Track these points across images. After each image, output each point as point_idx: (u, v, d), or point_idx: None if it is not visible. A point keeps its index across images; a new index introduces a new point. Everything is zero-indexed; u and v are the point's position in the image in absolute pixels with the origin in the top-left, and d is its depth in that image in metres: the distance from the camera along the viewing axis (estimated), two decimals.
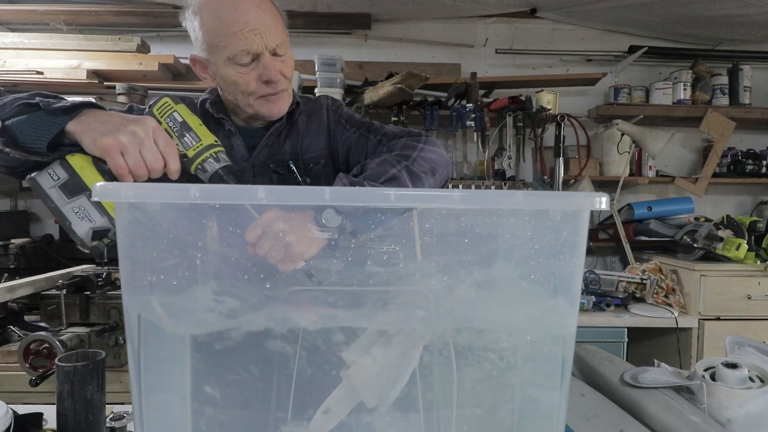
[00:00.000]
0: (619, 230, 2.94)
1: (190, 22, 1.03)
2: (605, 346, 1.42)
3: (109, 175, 0.79)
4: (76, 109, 0.82)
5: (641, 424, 0.91)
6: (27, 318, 1.89)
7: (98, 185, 0.55)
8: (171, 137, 0.84)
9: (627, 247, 2.92)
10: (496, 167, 2.94)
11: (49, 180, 0.79)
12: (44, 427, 0.98)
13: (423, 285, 0.66)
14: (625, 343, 2.40)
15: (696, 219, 2.92)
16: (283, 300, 0.66)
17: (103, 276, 1.79)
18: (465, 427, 0.68)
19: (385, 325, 0.67)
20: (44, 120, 0.81)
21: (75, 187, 0.79)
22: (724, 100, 3.10)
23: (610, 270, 3.08)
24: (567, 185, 3.00)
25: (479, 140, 2.85)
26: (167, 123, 0.85)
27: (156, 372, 0.63)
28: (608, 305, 2.52)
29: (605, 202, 0.59)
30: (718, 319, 2.52)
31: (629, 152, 2.93)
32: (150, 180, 0.80)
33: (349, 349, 0.67)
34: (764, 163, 3.09)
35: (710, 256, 2.60)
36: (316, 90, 2.68)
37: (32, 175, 0.80)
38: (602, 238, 3.19)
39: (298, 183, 1.10)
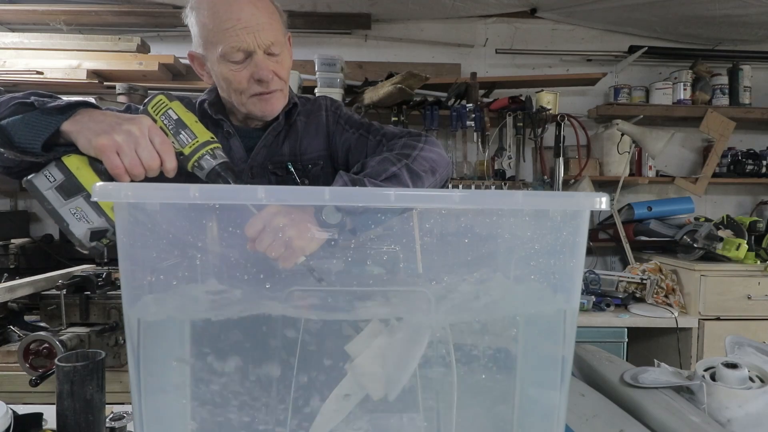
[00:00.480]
0: (619, 230, 2.94)
1: (189, 18, 1.03)
2: (605, 346, 1.42)
3: (106, 175, 0.79)
4: (72, 108, 0.81)
5: (641, 424, 0.91)
6: (27, 318, 1.88)
7: (98, 185, 0.55)
8: (167, 135, 0.83)
9: (627, 247, 2.92)
10: (496, 167, 2.94)
11: (46, 182, 0.79)
12: (44, 427, 0.98)
13: (423, 285, 0.66)
14: (625, 343, 2.40)
15: (696, 219, 2.92)
16: (283, 300, 0.66)
17: (103, 276, 1.78)
18: (465, 427, 0.68)
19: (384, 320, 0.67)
20: (39, 120, 0.81)
21: (71, 188, 0.78)
22: (724, 100, 3.10)
23: (610, 270, 3.08)
24: (567, 185, 3.00)
25: (479, 140, 2.85)
26: (162, 121, 0.85)
27: (156, 372, 0.63)
28: (608, 305, 2.52)
29: (605, 202, 0.59)
30: (718, 319, 2.52)
31: (629, 152, 2.93)
32: (147, 179, 0.80)
33: (353, 341, 0.67)
34: (764, 163, 3.09)
35: (710, 256, 2.60)
36: (316, 90, 2.68)
37: (28, 177, 0.80)
38: (602, 238, 3.19)
39: (296, 184, 1.10)
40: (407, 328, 0.67)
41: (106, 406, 0.94)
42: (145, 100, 0.89)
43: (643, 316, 2.45)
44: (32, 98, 0.83)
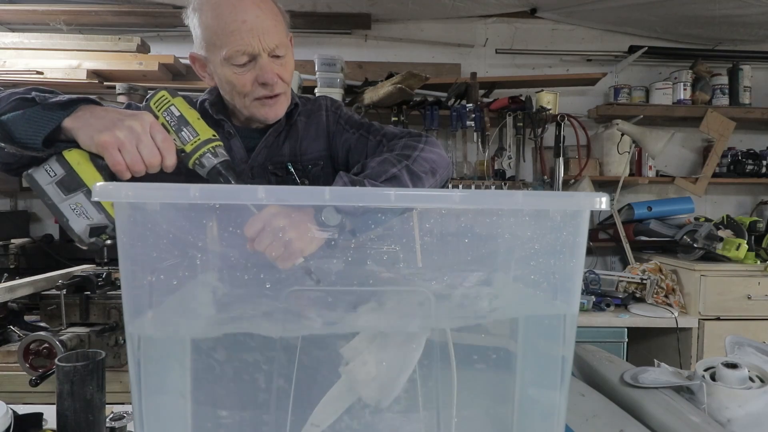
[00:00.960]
0: (619, 230, 2.94)
1: (191, 19, 1.02)
2: (605, 346, 1.42)
3: (106, 171, 0.79)
4: (73, 104, 0.81)
5: (641, 424, 0.91)
6: (27, 318, 1.88)
7: (98, 185, 0.55)
8: (168, 132, 0.83)
9: (627, 247, 2.92)
10: (496, 167, 2.94)
11: (46, 176, 0.79)
12: (44, 427, 0.98)
13: (423, 285, 0.66)
14: (625, 343, 2.40)
15: (696, 219, 2.92)
16: (283, 300, 0.66)
17: (103, 276, 1.78)
18: (465, 427, 0.68)
19: (385, 324, 0.67)
20: (40, 115, 0.80)
21: (72, 183, 0.78)
22: (724, 100, 3.10)
23: (610, 270, 3.08)
24: (567, 185, 3.00)
25: (479, 140, 2.85)
26: (164, 117, 0.84)
27: (156, 372, 0.63)
28: (608, 305, 2.52)
29: (605, 202, 0.59)
30: (718, 319, 2.52)
31: (629, 152, 2.93)
32: (147, 175, 0.80)
33: (348, 345, 0.67)
34: (764, 163, 3.09)
35: (710, 256, 2.60)
36: (316, 90, 2.69)
37: (29, 171, 0.80)
38: (602, 238, 3.19)
39: (296, 185, 1.10)
40: (403, 333, 0.67)
41: (106, 406, 0.94)
42: (148, 96, 0.88)
43: (643, 316, 2.45)
44: (33, 93, 0.83)
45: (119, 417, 0.96)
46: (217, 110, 1.09)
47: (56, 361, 0.89)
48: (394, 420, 0.69)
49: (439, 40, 3.21)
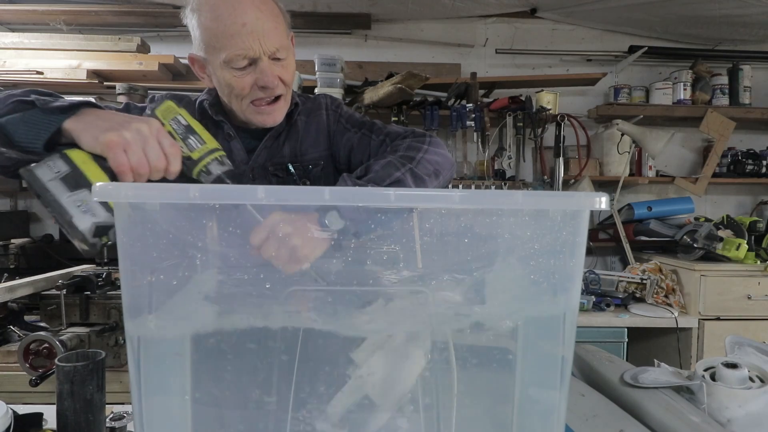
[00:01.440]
0: (619, 230, 2.94)
1: (189, 20, 1.00)
2: (605, 346, 1.42)
3: (110, 173, 0.77)
4: (75, 108, 0.80)
5: (641, 424, 0.91)
6: (27, 318, 1.89)
7: (98, 185, 0.55)
8: (174, 139, 0.83)
9: (627, 247, 2.92)
10: (496, 167, 2.94)
11: (49, 172, 0.76)
12: (44, 427, 0.98)
13: (423, 285, 0.66)
14: (625, 343, 2.40)
15: (696, 219, 2.92)
16: (283, 299, 0.66)
17: (103, 276, 1.78)
18: (465, 427, 0.68)
19: (385, 324, 0.67)
20: (40, 118, 0.79)
21: (78, 180, 0.76)
22: (724, 100, 3.10)
23: (610, 270, 3.08)
24: (567, 185, 3.00)
25: (479, 140, 2.86)
26: (171, 125, 0.84)
27: (156, 372, 0.63)
28: (608, 305, 2.52)
29: (605, 202, 0.59)
30: (718, 319, 2.52)
31: (629, 152, 2.93)
32: (149, 181, 0.80)
33: (359, 349, 0.67)
34: (764, 163, 3.09)
35: (710, 256, 2.60)
36: (316, 90, 2.69)
37: (30, 166, 0.77)
38: (602, 238, 3.19)
39: (297, 186, 1.09)
40: (411, 337, 0.67)
41: (106, 406, 0.94)
42: (152, 105, 0.87)
43: (643, 316, 2.45)
44: (32, 96, 0.81)
45: (119, 417, 0.96)
46: (216, 111, 1.08)
47: (56, 361, 0.89)
48: (394, 420, 0.69)
49: (439, 40, 3.21)
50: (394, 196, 0.55)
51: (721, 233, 2.59)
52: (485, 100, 3.01)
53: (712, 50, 3.23)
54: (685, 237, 2.70)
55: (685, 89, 3.04)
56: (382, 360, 0.66)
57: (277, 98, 1.03)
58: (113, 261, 2.08)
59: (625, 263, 3.02)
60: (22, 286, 1.71)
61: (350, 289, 0.66)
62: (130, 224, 0.59)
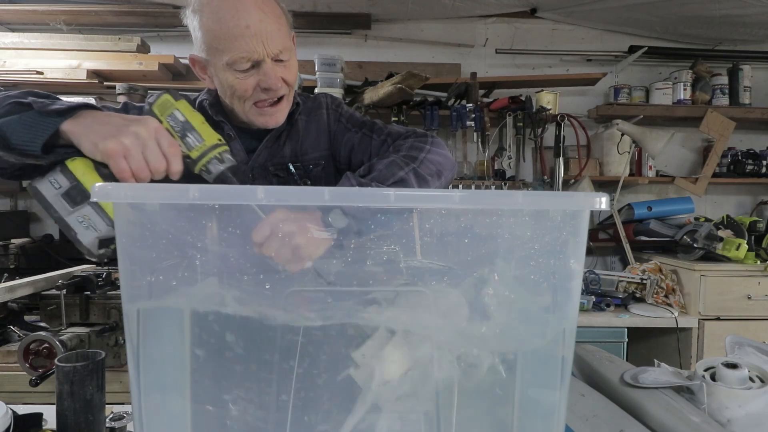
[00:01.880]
0: (619, 230, 2.94)
1: (191, 21, 0.99)
2: (605, 346, 1.42)
3: (111, 179, 0.76)
4: (72, 111, 0.79)
5: (641, 424, 0.91)
6: (27, 318, 1.88)
7: (97, 186, 0.54)
8: (173, 137, 0.81)
9: (627, 247, 2.92)
10: (496, 167, 2.94)
11: (51, 188, 0.76)
12: (44, 427, 0.98)
13: (423, 285, 0.66)
14: (625, 343, 2.40)
15: (696, 219, 2.92)
16: (283, 299, 0.66)
17: (103, 276, 1.79)
18: (465, 428, 0.68)
19: (385, 325, 0.67)
20: (38, 120, 0.78)
21: (78, 195, 0.76)
22: (724, 100, 3.10)
23: (610, 270, 3.08)
24: (567, 185, 3.00)
25: (479, 140, 2.86)
26: (169, 122, 0.82)
27: (156, 372, 0.63)
28: (608, 305, 2.52)
29: (605, 202, 0.59)
30: (718, 319, 2.52)
31: (629, 152, 2.93)
32: (152, 182, 0.79)
33: (360, 349, 0.67)
34: (764, 163, 3.09)
35: (710, 256, 2.60)
36: (316, 90, 2.69)
37: (33, 183, 0.77)
38: (602, 238, 3.19)
39: (298, 186, 1.09)
40: (414, 336, 0.67)
41: (106, 406, 0.94)
42: (150, 99, 0.86)
43: (643, 316, 2.45)
44: (29, 98, 0.80)
45: (119, 417, 0.96)
46: (216, 111, 1.08)
47: (56, 361, 0.89)
48: (394, 420, 0.69)
49: (439, 40, 3.21)
50: (394, 196, 0.55)
51: (721, 233, 2.59)
52: (485, 100, 3.01)
53: (712, 50, 3.23)
54: (685, 237, 2.70)
55: (685, 89, 3.04)
56: (382, 358, 0.66)
57: (280, 99, 1.02)
58: (113, 261, 2.08)
59: (625, 263, 3.02)
60: (22, 286, 1.71)
61: (350, 289, 0.66)
62: (129, 224, 0.59)
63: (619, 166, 3.02)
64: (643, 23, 3.09)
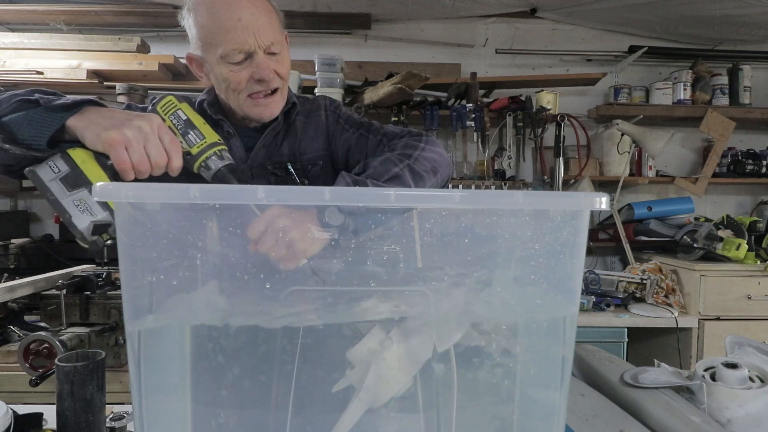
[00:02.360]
0: (619, 230, 2.94)
1: (186, 20, 1.02)
2: (605, 346, 1.42)
3: (111, 171, 0.78)
4: (78, 105, 0.81)
5: (641, 424, 0.91)
6: (27, 318, 1.89)
7: (98, 185, 0.55)
8: (175, 135, 0.83)
9: (627, 247, 2.92)
10: (496, 167, 2.94)
11: (50, 172, 0.78)
12: (44, 427, 0.98)
13: (423, 285, 0.66)
14: (625, 343, 2.40)
15: (696, 219, 2.93)
16: (283, 299, 0.66)
17: (103, 276, 1.78)
18: (465, 427, 0.68)
19: (385, 325, 0.67)
20: (44, 116, 0.80)
21: (76, 179, 0.78)
22: (724, 100, 3.10)
23: (610, 270, 3.08)
24: (567, 185, 3.00)
25: (479, 140, 2.86)
26: (171, 121, 0.85)
27: (156, 372, 0.63)
28: (608, 305, 2.52)
29: (605, 202, 0.59)
30: (718, 319, 2.52)
31: (629, 152, 2.93)
32: (151, 177, 0.80)
33: (354, 348, 0.67)
34: (764, 163, 3.09)
35: (710, 256, 2.60)
36: (316, 90, 2.69)
37: (32, 167, 0.79)
38: (602, 238, 3.19)
39: (296, 185, 1.10)
40: (408, 333, 0.67)
41: (106, 406, 0.94)
42: (154, 100, 0.88)
43: (643, 316, 2.45)
44: (36, 95, 0.82)
45: (119, 417, 0.96)
46: (215, 110, 1.09)
47: (56, 361, 0.89)
48: (394, 420, 0.69)
49: (439, 40, 3.21)
50: (394, 196, 0.55)
51: (721, 233, 2.59)
52: (485, 100, 3.01)
53: (712, 50, 3.23)
54: (685, 237, 2.70)
55: (685, 89, 3.04)
56: (378, 357, 0.66)
57: (274, 92, 1.04)
58: (113, 261, 2.08)
59: (625, 263, 3.02)
60: (22, 286, 1.71)
61: (350, 289, 0.66)
62: (130, 224, 0.59)
63: (619, 166, 3.02)
64: (643, 23, 3.10)
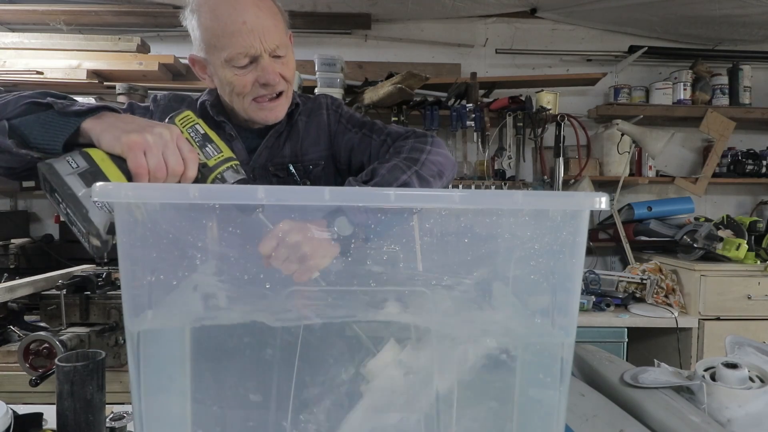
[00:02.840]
0: (619, 230, 2.94)
1: (189, 21, 1.00)
2: (605, 346, 1.42)
3: (127, 174, 0.77)
4: (94, 111, 0.80)
5: (641, 424, 0.91)
6: (27, 318, 1.88)
7: (97, 185, 0.55)
8: (192, 146, 0.84)
9: (627, 247, 2.92)
10: (496, 167, 2.94)
11: (68, 167, 0.77)
12: (44, 427, 0.98)
13: (423, 285, 0.66)
14: (625, 343, 2.40)
15: (696, 219, 2.93)
16: (283, 299, 0.66)
17: (103, 276, 1.78)
18: (465, 427, 0.68)
19: (385, 324, 0.67)
20: (58, 120, 0.79)
21: (96, 176, 0.76)
22: (724, 100, 3.10)
23: (610, 270, 3.08)
24: (567, 185, 3.00)
25: (479, 140, 2.86)
26: (189, 133, 0.85)
27: (156, 372, 0.63)
28: (608, 305, 2.52)
29: (605, 202, 0.59)
30: (718, 319, 2.52)
31: (629, 152, 2.93)
32: None
33: (370, 362, 0.67)
34: (764, 163, 3.09)
35: (710, 256, 2.60)
36: (316, 90, 2.69)
37: (49, 160, 0.77)
38: (602, 238, 3.19)
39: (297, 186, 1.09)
40: (423, 348, 0.67)
41: (106, 406, 0.94)
42: (171, 114, 0.88)
43: (643, 316, 2.45)
44: (48, 99, 0.81)
45: (119, 417, 0.96)
46: (217, 111, 1.09)
47: (56, 361, 0.89)
48: (394, 420, 0.69)
49: (439, 40, 3.21)
50: (394, 196, 0.55)
51: (721, 233, 2.59)
52: (485, 100, 3.01)
53: (712, 50, 3.23)
54: (685, 237, 2.70)
55: (685, 89, 3.04)
56: (394, 373, 0.67)
57: (279, 95, 1.03)
58: (113, 261, 2.08)
59: (625, 263, 3.02)
60: (22, 286, 1.71)
61: (350, 289, 0.66)
62: (130, 224, 0.59)
63: (619, 166, 3.02)
64: (643, 23, 3.09)
